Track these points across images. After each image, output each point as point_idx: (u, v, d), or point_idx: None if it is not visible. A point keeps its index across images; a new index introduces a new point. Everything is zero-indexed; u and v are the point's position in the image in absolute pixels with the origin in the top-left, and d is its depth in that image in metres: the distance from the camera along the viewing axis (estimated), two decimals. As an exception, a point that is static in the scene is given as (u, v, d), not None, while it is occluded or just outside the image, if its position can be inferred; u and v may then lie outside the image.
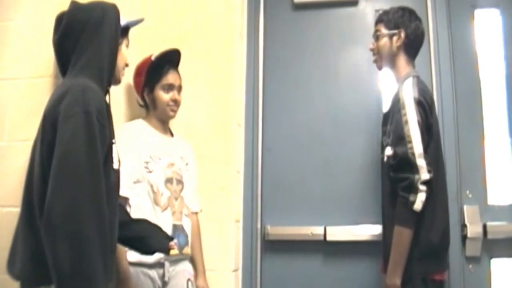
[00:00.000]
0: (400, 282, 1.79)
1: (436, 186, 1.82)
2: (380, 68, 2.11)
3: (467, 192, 2.27)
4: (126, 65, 1.68)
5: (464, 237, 2.21)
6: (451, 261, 2.19)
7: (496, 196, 2.30)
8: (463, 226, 2.21)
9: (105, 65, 1.53)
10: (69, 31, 1.54)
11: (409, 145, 1.79)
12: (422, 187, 1.76)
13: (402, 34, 1.99)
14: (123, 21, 1.63)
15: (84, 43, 1.51)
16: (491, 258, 2.24)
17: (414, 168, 1.77)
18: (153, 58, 2.11)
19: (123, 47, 1.65)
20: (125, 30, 1.65)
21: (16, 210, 1.63)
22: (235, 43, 2.47)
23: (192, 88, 2.31)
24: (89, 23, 1.53)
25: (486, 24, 2.45)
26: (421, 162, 1.77)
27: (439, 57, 2.40)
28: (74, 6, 1.57)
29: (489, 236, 2.19)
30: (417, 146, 1.78)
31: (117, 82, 1.67)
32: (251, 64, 2.59)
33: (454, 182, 2.25)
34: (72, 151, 1.33)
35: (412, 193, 1.77)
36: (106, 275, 1.37)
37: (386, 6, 2.48)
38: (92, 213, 1.30)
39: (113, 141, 1.52)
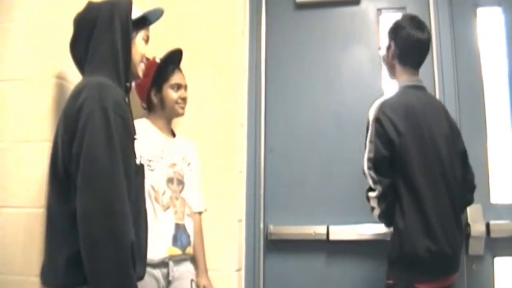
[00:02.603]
0: None
1: (427, 195, 1.84)
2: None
3: (470, 190, 2.26)
4: (147, 59, 1.65)
5: (467, 236, 2.19)
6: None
7: (499, 195, 2.29)
8: (466, 225, 2.20)
9: (119, 61, 1.51)
10: (80, 30, 1.53)
11: (364, 161, 1.93)
12: (371, 194, 1.92)
13: (392, 45, 2.04)
14: (138, 13, 1.59)
15: (97, 40, 1.50)
16: (494, 256, 2.24)
17: (370, 181, 1.92)
18: (158, 60, 2.12)
19: (138, 40, 1.60)
20: (141, 23, 1.61)
21: (18, 210, 1.65)
22: (237, 42, 2.47)
23: (194, 88, 2.31)
24: (99, 20, 1.51)
25: (488, 22, 2.44)
26: (369, 173, 1.92)
27: (441, 55, 2.40)
28: (87, 6, 1.56)
29: (492, 235, 2.19)
30: (365, 159, 1.93)
31: (136, 77, 1.64)
32: (253, 64, 2.59)
33: (457, 181, 2.25)
34: (94, 150, 1.32)
35: (368, 201, 1.96)
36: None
37: (387, 5, 2.50)
38: (115, 219, 1.29)
39: (135, 136, 1.52)
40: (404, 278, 1.85)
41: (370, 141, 1.92)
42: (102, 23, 1.51)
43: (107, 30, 1.50)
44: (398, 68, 2.05)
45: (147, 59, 1.66)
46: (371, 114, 1.95)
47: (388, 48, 2.07)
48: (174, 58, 2.18)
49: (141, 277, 1.48)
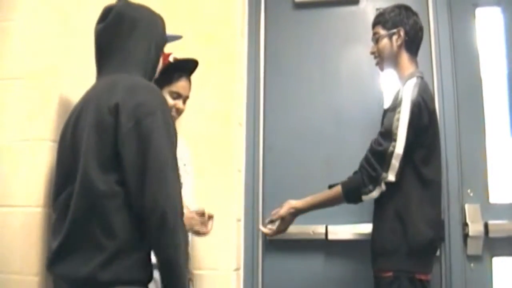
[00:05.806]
0: (299, 209, 2.08)
1: (432, 185, 1.86)
2: (382, 69, 2.12)
3: (469, 190, 2.27)
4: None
5: (465, 236, 2.20)
6: (453, 260, 2.21)
7: (498, 195, 2.29)
8: (465, 224, 2.21)
9: (149, 69, 1.55)
10: (119, 24, 1.52)
11: (392, 143, 1.81)
12: (384, 187, 1.83)
13: (402, 32, 1.98)
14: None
15: (135, 41, 1.52)
16: (492, 256, 2.24)
17: (385, 165, 1.81)
18: (171, 58, 2.06)
19: None
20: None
21: (16, 209, 1.64)
22: (236, 42, 2.47)
23: (193, 87, 2.30)
24: (142, 22, 1.53)
25: (487, 22, 2.44)
26: (395, 162, 1.80)
27: (440, 56, 2.40)
28: (125, 2, 1.56)
29: (491, 235, 2.19)
30: (399, 146, 1.80)
31: None
32: (252, 63, 2.59)
33: (456, 181, 2.25)
34: (159, 148, 1.37)
35: (372, 185, 1.85)
36: None
37: (387, 5, 2.47)
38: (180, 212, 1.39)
39: None
40: (407, 268, 1.80)
41: (410, 125, 1.80)
42: (143, 27, 1.54)
43: (146, 36, 1.54)
44: (404, 56, 1.99)
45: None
46: (408, 94, 1.83)
47: (392, 35, 1.99)
48: (187, 66, 2.09)
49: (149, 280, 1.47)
